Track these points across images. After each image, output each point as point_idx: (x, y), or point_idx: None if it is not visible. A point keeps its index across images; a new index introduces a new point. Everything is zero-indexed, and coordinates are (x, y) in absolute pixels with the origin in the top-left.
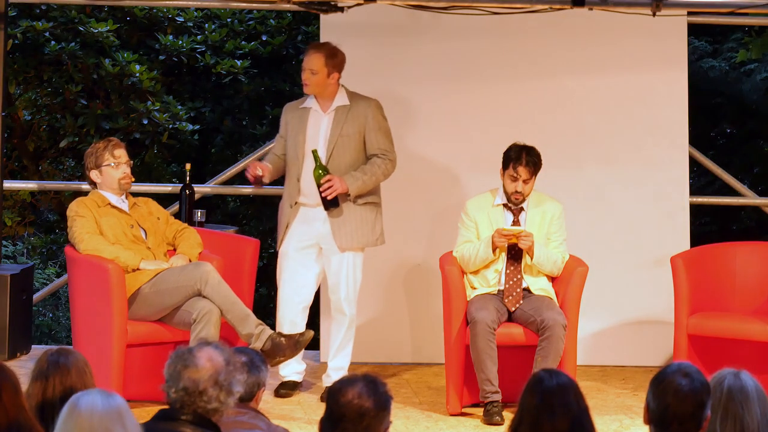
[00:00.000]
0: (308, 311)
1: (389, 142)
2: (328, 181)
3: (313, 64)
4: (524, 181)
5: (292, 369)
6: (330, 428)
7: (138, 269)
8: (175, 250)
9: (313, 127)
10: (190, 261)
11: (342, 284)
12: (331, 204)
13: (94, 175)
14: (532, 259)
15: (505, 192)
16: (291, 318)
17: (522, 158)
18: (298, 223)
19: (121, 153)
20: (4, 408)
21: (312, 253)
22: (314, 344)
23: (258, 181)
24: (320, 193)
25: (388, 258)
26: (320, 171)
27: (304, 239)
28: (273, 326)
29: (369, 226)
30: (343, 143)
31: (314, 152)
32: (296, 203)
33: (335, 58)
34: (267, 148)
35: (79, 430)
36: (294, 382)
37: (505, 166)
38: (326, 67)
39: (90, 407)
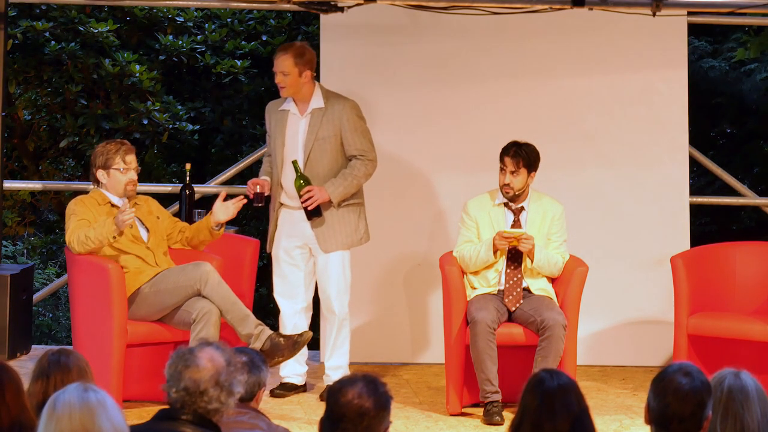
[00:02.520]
0: (311, 312)
1: (367, 142)
2: (309, 191)
3: (282, 66)
4: (511, 173)
5: (292, 370)
6: (330, 428)
7: (120, 232)
8: (177, 250)
9: (291, 131)
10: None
11: (331, 283)
12: (313, 214)
13: (100, 174)
14: (533, 262)
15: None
16: (294, 321)
17: (510, 150)
18: (284, 225)
19: (132, 159)
20: (7, 407)
21: (301, 254)
22: (314, 344)
23: (259, 199)
24: (302, 203)
25: (387, 257)
26: (301, 181)
27: (293, 240)
28: (273, 327)
29: (351, 227)
30: (319, 147)
31: (294, 163)
32: (281, 205)
33: (303, 57)
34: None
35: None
36: (293, 384)
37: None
38: (296, 67)
39: (67, 406)
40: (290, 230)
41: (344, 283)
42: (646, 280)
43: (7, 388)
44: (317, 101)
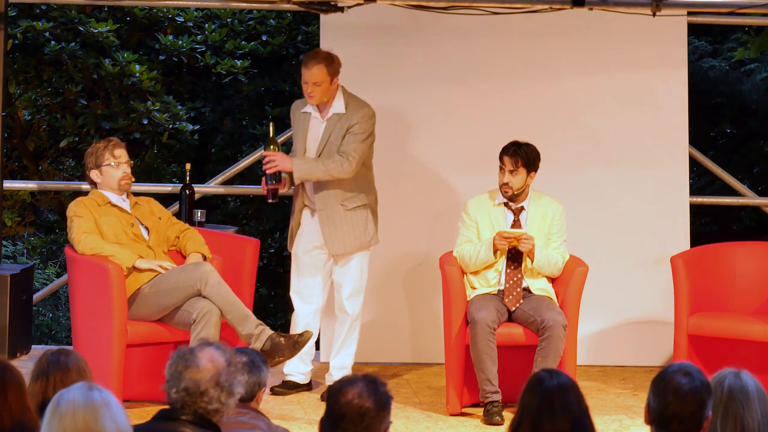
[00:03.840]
0: (320, 314)
1: (358, 149)
2: (272, 154)
3: (316, 76)
4: (510, 172)
5: (296, 368)
6: (330, 428)
7: (134, 267)
8: (178, 251)
9: (313, 134)
10: (204, 257)
11: (347, 283)
12: (270, 178)
13: (94, 174)
14: (533, 262)
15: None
16: (306, 321)
17: (509, 149)
18: (305, 225)
19: (121, 153)
20: (9, 408)
21: (320, 254)
22: (315, 344)
23: (273, 195)
24: (263, 165)
25: (388, 258)
26: (271, 146)
27: (312, 241)
28: (273, 327)
29: (360, 229)
30: (328, 149)
31: (271, 124)
32: (304, 206)
33: (333, 64)
34: None
35: (62, 430)
36: (294, 382)
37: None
38: (329, 76)
39: (71, 404)
40: (311, 231)
41: (360, 284)
42: (646, 280)
43: (10, 388)
44: (338, 106)
